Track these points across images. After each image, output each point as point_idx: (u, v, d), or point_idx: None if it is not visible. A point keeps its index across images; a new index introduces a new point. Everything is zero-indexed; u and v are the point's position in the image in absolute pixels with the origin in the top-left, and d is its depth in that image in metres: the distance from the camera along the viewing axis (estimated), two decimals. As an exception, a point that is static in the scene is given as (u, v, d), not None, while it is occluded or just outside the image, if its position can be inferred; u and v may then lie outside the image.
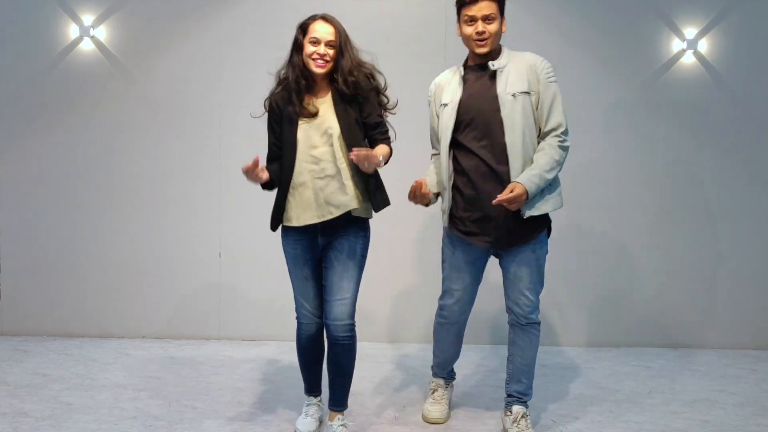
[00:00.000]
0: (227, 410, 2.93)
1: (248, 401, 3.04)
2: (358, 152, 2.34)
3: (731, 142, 3.97)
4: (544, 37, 3.88)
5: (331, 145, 2.48)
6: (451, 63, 2.78)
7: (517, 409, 2.70)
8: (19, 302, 4.06)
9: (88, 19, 3.94)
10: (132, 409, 2.91)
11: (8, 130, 4.00)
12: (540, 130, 2.59)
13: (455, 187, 2.67)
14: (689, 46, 3.91)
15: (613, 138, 3.97)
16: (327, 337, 2.58)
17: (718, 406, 3.08)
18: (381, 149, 2.53)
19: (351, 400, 2.72)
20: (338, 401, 2.63)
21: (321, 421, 2.75)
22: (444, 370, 2.97)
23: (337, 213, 2.47)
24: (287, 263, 2.63)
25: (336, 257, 2.53)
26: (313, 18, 2.51)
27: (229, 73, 3.96)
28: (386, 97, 2.59)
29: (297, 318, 2.66)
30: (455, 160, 2.65)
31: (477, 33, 2.55)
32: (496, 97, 2.55)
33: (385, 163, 2.55)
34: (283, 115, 2.53)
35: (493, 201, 2.46)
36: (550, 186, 2.58)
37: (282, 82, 2.57)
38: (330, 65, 2.49)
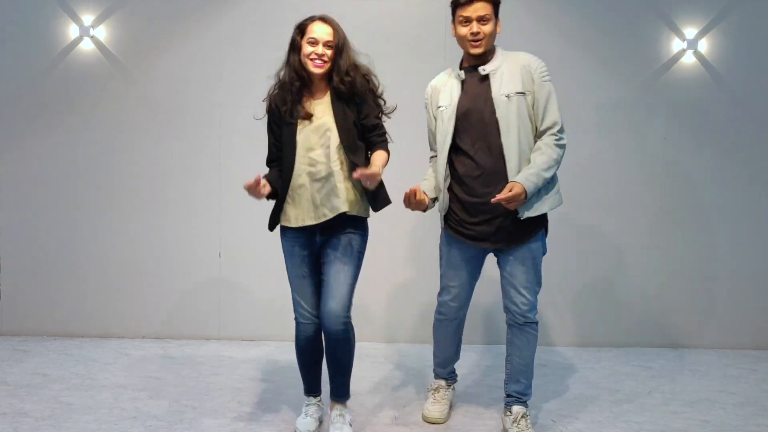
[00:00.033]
0: (227, 410, 2.92)
1: (248, 401, 3.04)
2: (362, 172, 2.35)
3: (731, 142, 3.97)
4: (544, 37, 3.88)
5: (327, 146, 2.48)
6: (451, 63, 2.78)
7: (516, 409, 2.70)
8: (19, 302, 4.06)
9: (88, 19, 3.94)
10: (132, 409, 2.91)
11: (8, 130, 4.00)
12: (536, 129, 2.59)
13: (452, 190, 2.68)
14: (689, 46, 3.91)
15: (613, 138, 3.97)
16: (323, 332, 2.57)
17: (718, 406, 3.08)
18: (380, 158, 2.53)
19: (350, 400, 2.72)
20: (337, 392, 2.64)
21: (321, 421, 2.75)
22: (445, 370, 2.97)
23: (330, 215, 2.49)
24: (285, 262, 2.64)
25: (332, 253, 2.54)
26: (311, 19, 2.51)
27: (229, 73, 3.96)
28: (383, 99, 2.60)
29: (295, 318, 2.66)
30: (452, 162, 2.66)
31: (472, 34, 2.55)
32: (491, 99, 2.56)
33: (383, 167, 2.56)
34: (283, 116, 2.53)
35: (492, 200, 2.47)
36: (547, 186, 2.59)
37: (281, 83, 2.57)
38: (328, 65, 2.49)
